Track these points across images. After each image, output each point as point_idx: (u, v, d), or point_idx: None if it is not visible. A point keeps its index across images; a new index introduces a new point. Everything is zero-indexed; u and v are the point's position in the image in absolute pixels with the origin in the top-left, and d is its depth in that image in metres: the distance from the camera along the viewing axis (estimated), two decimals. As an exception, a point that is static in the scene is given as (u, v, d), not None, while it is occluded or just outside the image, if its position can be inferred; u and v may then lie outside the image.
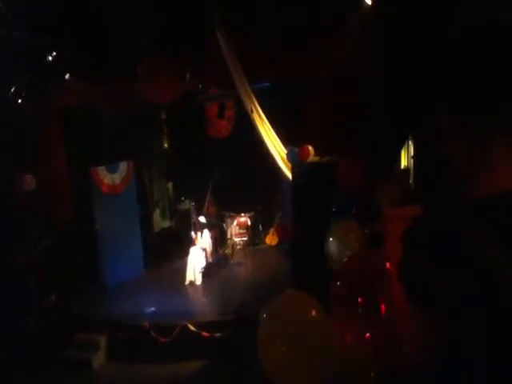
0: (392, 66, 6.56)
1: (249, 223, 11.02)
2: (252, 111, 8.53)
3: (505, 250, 1.09)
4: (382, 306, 2.19)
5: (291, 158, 8.11)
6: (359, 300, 2.30)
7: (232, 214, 11.10)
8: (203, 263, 9.37)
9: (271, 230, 11.30)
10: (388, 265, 2.27)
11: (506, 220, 1.12)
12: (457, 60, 1.24)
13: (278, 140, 8.61)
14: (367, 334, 2.23)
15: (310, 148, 7.84)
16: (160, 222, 11.62)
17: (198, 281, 9.22)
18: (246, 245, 10.77)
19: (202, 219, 9.87)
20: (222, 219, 11.25)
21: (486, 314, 1.12)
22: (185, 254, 9.54)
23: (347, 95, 7.29)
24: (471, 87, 1.21)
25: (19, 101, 8.42)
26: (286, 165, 8.44)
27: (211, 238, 9.93)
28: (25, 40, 7.30)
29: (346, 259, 2.79)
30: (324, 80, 7.84)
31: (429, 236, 1.31)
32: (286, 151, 8.38)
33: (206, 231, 9.85)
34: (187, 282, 9.17)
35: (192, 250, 9.43)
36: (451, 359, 1.21)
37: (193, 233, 9.69)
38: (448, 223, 1.24)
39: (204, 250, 9.56)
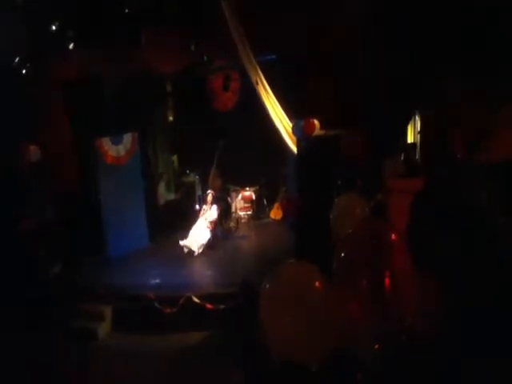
0: (397, 37, 6.45)
1: (253, 197, 11.00)
2: (257, 83, 8.43)
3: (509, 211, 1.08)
4: (387, 278, 2.17)
5: (297, 131, 8.01)
6: (363, 271, 2.29)
7: (237, 188, 11.07)
8: (207, 236, 9.38)
9: (276, 205, 11.28)
10: (392, 236, 2.24)
11: None
12: (469, 26, 1.22)
13: (283, 113, 8.52)
14: (371, 306, 2.23)
15: (316, 121, 7.74)
16: (164, 194, 11.61)
17: (197, 251, 9.19)
18: (250, 219, 10.76)
19: (212, 192, 9.85)
20: (227, 193, 11.23)
21: (490, 278, 1.11)
22: (189, 227, 9.54)
23: (350, 69, 7.21)
24: (484, 52, 1.19)
25: (23, 71, 8.33)
26: (292, 138, 8.36)
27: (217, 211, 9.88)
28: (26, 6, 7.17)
29: (350, 231, 2.78)
30: (326, 53, 7.74)
31: (436, 204, 1.30)
32: (291, 124, 8.29)
33: (214, 205, 9.83)
34: (186, 251, 9.16)
35: (197, 222, 9.45)
36: (456, 325, 1.20)
37: (198, 206, 9.67)
38: (453, 191, 1.23)
39: (211, 223, 9.56)
